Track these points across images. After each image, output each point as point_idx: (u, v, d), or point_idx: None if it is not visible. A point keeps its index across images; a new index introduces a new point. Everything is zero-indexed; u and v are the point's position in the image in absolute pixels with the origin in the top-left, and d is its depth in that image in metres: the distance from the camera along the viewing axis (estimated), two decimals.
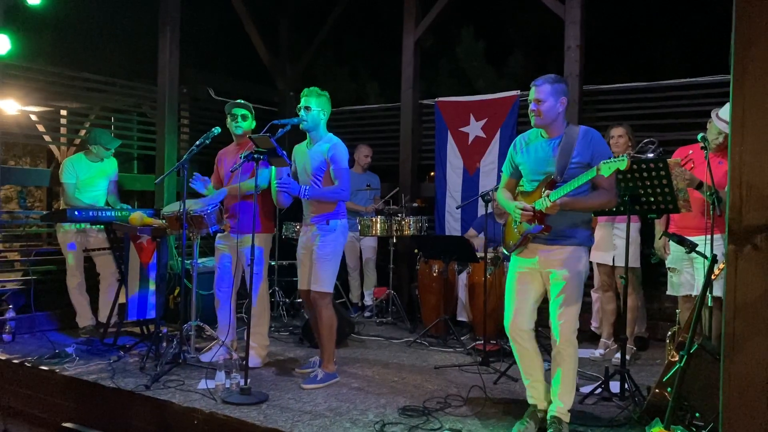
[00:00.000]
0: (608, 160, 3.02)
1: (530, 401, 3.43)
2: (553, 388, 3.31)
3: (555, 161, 3.21)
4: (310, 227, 4.22)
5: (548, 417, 3.29)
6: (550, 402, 3.38)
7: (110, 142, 5.53)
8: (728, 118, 4.09)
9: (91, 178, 5.52)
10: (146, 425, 3.79)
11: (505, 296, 3.44)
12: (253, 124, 4.69)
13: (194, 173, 4.56)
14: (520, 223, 3.29)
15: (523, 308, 3.35)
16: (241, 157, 4.03)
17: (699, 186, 3.83)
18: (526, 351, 3.39)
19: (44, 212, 6.90)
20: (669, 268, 4.37)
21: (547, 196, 3.13)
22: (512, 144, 3.51)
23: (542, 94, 3.22)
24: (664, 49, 7.29)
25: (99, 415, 3.98)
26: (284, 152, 3.97)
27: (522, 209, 3.24)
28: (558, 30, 6.07)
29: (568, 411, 3.29)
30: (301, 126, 4.20)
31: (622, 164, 2.96)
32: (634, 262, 4.83)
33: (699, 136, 4.02)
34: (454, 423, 3.45)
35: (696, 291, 4.11)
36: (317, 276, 4.15)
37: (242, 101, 4.63)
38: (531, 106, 3.27)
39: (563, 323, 3.23)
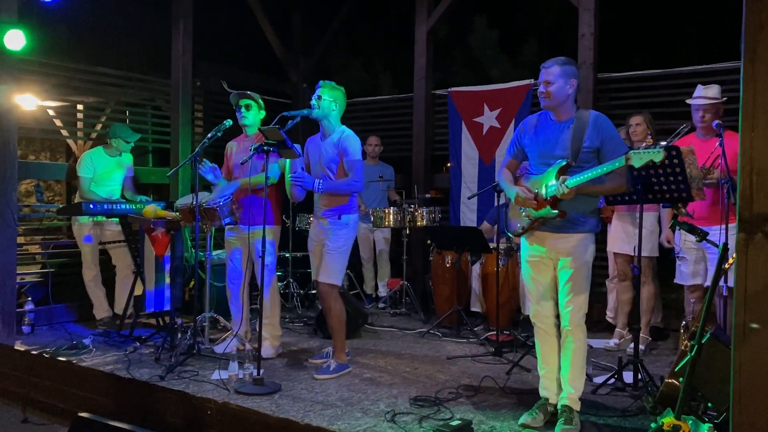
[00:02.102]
0: (640, 151, 2.95)
1: (542, 393, 3.42)
2: (563, 373, 3.30)
3: (569, 145, 3.18)
4: (322, 220, 4.24)
5: (559, 406, 3.28)
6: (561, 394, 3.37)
7: (130, 135, 5.62)
8: (702, 93, 4.18)
9: (108, 172, 5.59)
10: (161, 415, 3.83)
11: (525, 285, 3.45)
12: (262, 114, 4.69)
13: (203, 160, 4.54)
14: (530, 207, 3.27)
15: (543, 294, 3.36)
16: (251, 149, 4.04)
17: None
18: (549, 337, 3.38)
19: (62, 206, 6.99)
20: (678, 256, 4.34)
21: (563, 182, 3.08)
22: (520, 125, 3.48)
23: (551, 75, 3.20)
24: (679, 36, 7.17)
25: (115, 405, 4.03)
26: (294, 144, 3.97)
27: (524, 197, 3.24)
28: (572, 17, 6.00)
29: (579, 399, 3.28)
30: (311, 115, 4.20)
31: (657, 156, 2.90)
32: (653, 251, 4.78)
33: (714, 124, 3.98)
34: (465, 413, 3.45)
35: (708, 281, 4.10)
36: (327, 268, 4.17)
37: (247, 92, 4.63)
38: (540, 88, 3.26)
39: (572, 309, 3.23)
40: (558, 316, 3.37)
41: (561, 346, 3.33)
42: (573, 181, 3.08)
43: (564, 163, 3.16)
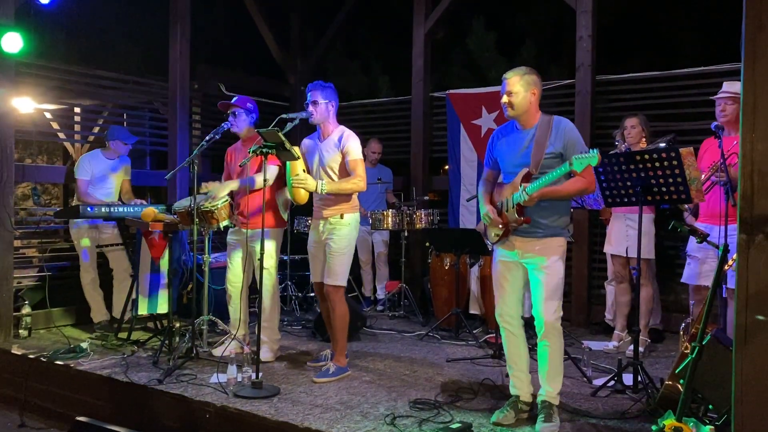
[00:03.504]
0: (580, 156, 3.07)
1: (513, 391, 3.48)
2: (540, 373, 3.36)
3: (531, 153, 3.28)
4: (323, 221, 4.21)
5: (539, 401, 3.34)
6: (533, 393, 3.45)
7: (128, 137, 5.61)
8: (725, 88, 4.17)
9: (105, 174, 5.57)
10: (159, 419, 3.82)
11: (493, 285, 3.53)
12: (253, 117, 4.67)
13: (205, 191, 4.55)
14: (504, 212, 3.37)
15: (511, 295, 3.43)
16: (249, 152, 4.03)
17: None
18: (515, 338, 3.45)
19: (59, 209, 6.97)
20: (690, 255, 4.32)
21: (524, 189, 3.20)
22: (491, 137, 3.59)
23: (512, 86, 3.31)
24: (678, 37, 7.17)
25: (113, 409, 4.02)
26: (293, 146, 3.96)
27: (491, 219, 3.40)
28: (570, 19, 6.00)
29: (558, 395, 3.33)
30: (310, 121, 4.20)
31: (593, 160, 3.02)
32: (649, 253, 4.78)
33: (713, 125, 3.97)
34: (465, 416, 3.44)
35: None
36: (332, 270, 4.15)
37: (230, 102, 4.60)
38: (502, 99, 3.35)
39: (546, 311, 3.28)
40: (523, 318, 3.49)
41: (537, 347, 3.37)
42: (531, 187, 3.19)
43: (525, 171, 3.27)
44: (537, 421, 3.24)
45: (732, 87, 4.22)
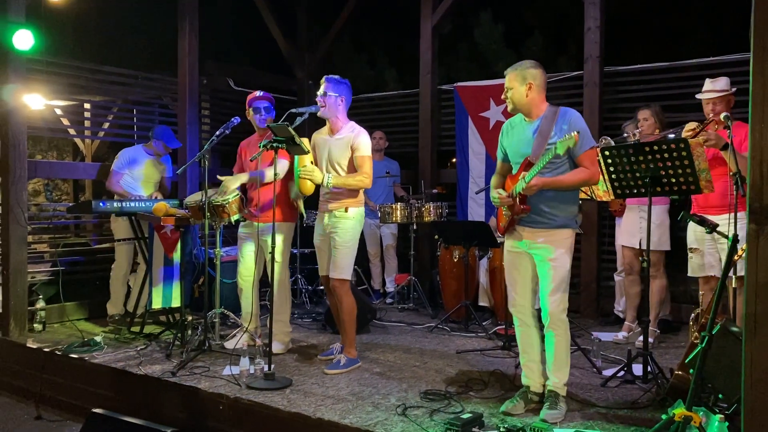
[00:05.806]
0: (562, 138, 3.16)
1: (524, 381, 3.53)
2: (547, 364, 3.41)
3: (533, 143, 3.32)
4: (329, 214, 4.25)
5: (546, 391, 3.40)
6: (543, 384, 3.49)
7: (172, 141, 5.73)
8: (710, 86, 4.18)
9: (140, 162, 5.66)
10: (173, 410, 3.87)
11: (505, 276, 3.58)
12: (273, 114, 4.72)
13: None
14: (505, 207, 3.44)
15: (521, 286, 3.47)
16: (260, 146, 4.06)
17: (725, 147, 3.80)
18: (527, 328, 3.50)
19: (71, 204, 7.03)
20: (691, 248, 4.32)
21: (523, 177, 3.25)
22: (501, 129, 3.62)
23: (509, 82, 3.39)
24: (686, 28, 7.14)
25: (127, 401, 4.07)
26: (302, 140, 3.99)
27: (499, 197, 3.42)
28: (577, 11, 5.99)
29: (564, 385, 3.37)
30: (319, 114, 4.22)
31: (571, 141, 3.12)
32: (664, 245, 4.78)
33: (723, 116, 3.97)
34: (475, 406, 3.47)
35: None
36: (337, 263, 4.19)
37: (262, 94, 4.64)
38: (503, 95, 3.44)
39: (551, 303, 3.32)
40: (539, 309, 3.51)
41: (544, 338, 3.42)
42: (529, 175, 3.24)
43: (526, 160, 3.32)
44: (543, 408, 3.30)
45: (716, 84, 4.21)
